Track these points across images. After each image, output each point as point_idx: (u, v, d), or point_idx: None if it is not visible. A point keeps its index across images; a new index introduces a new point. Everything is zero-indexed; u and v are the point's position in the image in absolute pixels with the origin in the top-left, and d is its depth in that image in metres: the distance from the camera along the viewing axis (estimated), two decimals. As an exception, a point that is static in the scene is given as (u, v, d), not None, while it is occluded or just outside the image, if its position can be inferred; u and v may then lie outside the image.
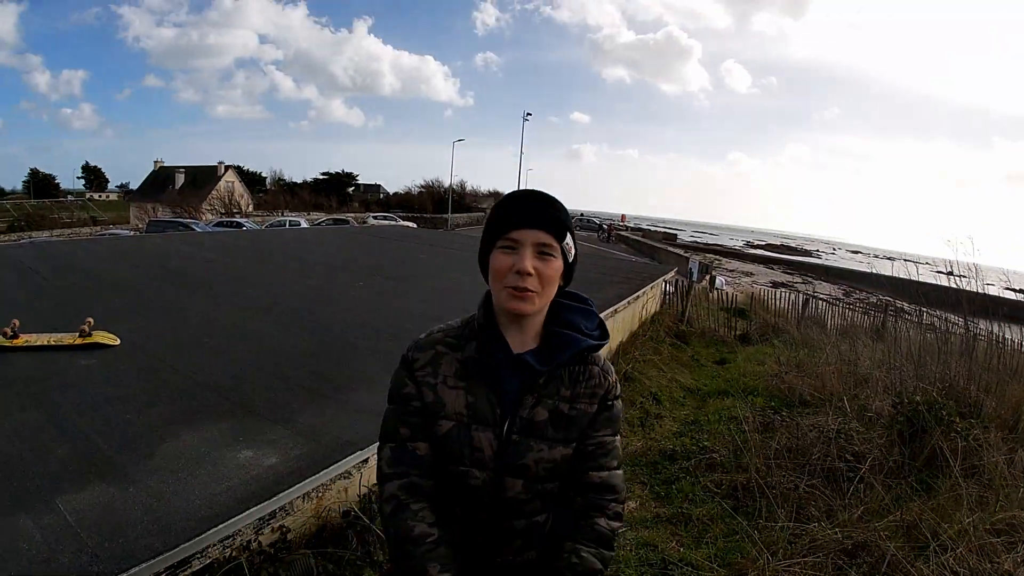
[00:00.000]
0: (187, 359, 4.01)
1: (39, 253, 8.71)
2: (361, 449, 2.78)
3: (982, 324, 4.45)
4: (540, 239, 1.02)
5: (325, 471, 2.60)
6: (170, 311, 5.41)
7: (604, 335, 1.13)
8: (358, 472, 2.75)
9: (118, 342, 4.23)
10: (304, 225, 24.96)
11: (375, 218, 33.69)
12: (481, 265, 1.10)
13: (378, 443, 1.13)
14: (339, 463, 2.67)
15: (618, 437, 1.14)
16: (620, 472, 1.14)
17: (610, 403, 1.12)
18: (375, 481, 3.08)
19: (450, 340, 1.10)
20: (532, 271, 1.01)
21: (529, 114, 65.83)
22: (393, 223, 28.88)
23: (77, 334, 4.14)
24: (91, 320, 4.24)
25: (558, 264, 1.05)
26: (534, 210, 1.04)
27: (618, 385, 1.15)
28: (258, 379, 3.70)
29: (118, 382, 3.51)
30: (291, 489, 2.45)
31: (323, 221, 28.88)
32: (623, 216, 61.65)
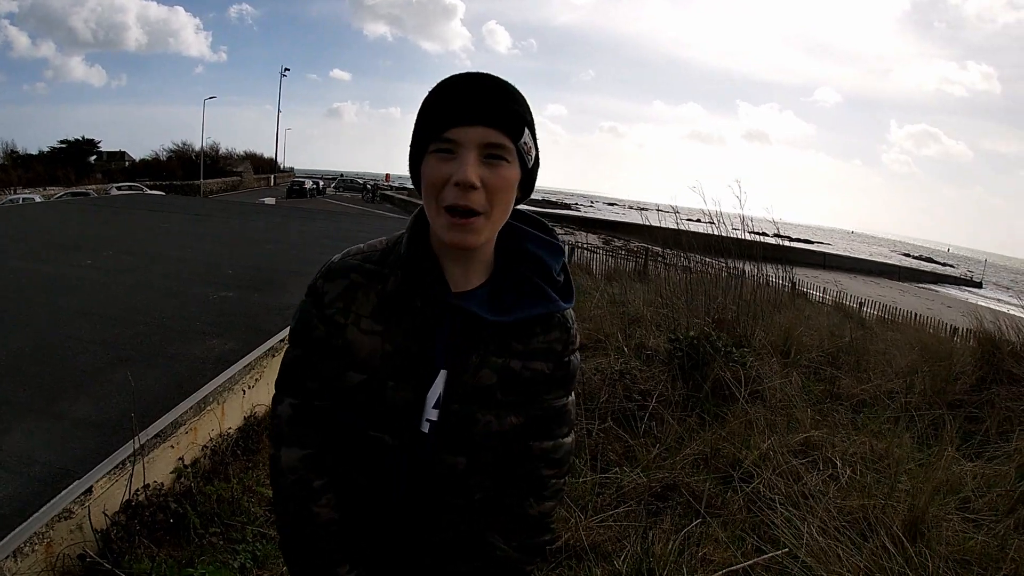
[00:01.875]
0: None
1: None
2: (79, 478, 2.25)
3: (742, 265, 4.99)
4: (488, 138, 0.72)
5: (35, 516, 2.05)
6: None
7: (570, 287, 0.85)
8: (81, 507, 2.16)
9: None
10: (39, 201, 21.68)
11: (119, 188, 30.99)
12: (412, 176, 0.81)
13: (274, 391, 0.88)
14: (52, 501, 2.12)
15: (572, 396, 0.93)
16: (569, 439, 0.94)
17: (567, 359, 0.88)
18: (115, 510, 2.30)
19: (370, 267, 0.82)
20: (477, 183, 0.72)
21: (287, 70, 60.06)
22: (139, 192, 27.11)
23: None
24: None
25: (513, 172, 0.75)
26: (479, 99, 0.73)
27: (578, 334, 0.91)
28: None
29: None
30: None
31: (61, 196, 25.73)
32: (387, 176, 60.06)
